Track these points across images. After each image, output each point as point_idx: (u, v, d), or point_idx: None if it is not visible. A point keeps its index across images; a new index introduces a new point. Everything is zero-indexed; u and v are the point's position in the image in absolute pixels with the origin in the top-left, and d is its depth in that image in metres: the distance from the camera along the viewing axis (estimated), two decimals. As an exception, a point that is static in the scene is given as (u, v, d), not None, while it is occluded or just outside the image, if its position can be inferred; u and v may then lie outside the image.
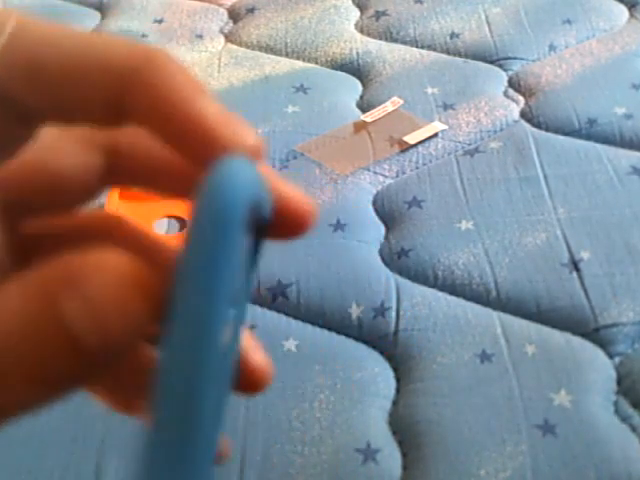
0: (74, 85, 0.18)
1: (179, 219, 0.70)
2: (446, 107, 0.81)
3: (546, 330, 0.59)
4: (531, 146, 0.75)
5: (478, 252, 0.65)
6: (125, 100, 0.18)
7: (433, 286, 0.63)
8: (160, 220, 0.70)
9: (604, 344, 0.58)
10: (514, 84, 0.85)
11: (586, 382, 0.55)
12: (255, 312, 0.61)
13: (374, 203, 0.71)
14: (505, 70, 0.87)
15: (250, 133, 0.18)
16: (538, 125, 0.78)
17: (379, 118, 0.80)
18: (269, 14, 0.99)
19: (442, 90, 0.84)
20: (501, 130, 0.78)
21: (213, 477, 0.17)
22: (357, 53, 0.91)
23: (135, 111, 0.18)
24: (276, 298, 0.62)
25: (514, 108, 0.81)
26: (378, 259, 0.66)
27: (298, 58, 0.92)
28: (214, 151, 0.18)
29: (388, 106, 0.81)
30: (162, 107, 0.18)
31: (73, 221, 0.22)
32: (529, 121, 0.79)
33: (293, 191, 0.20)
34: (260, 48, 0.94)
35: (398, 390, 0.56)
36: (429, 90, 0.84)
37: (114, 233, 0.22)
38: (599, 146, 0.75)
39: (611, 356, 0.57)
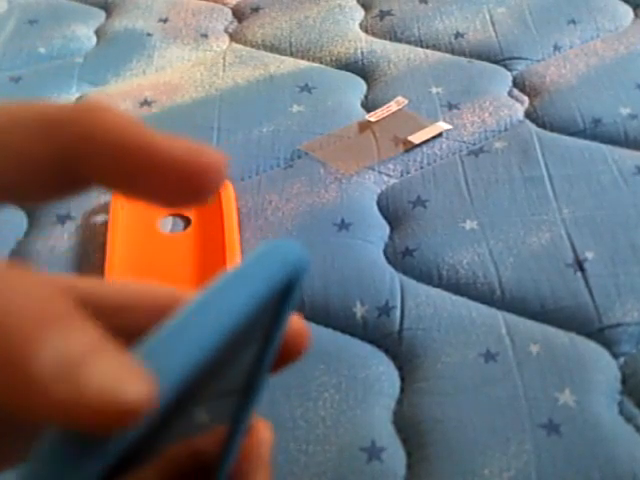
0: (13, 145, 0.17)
1: (184, 217, 0.70)
2: (451, 107, 0.81)
3: (550, 330, 0.59)
4: (536, 146, 0.75)
5: (482, 252, 0.65)
6: (77, 157, 0.17)
7: (437, 285, 0.63)
8: (165, 218, 0.70)
9: (609, 344, 0.58)
10: (519, 84, 0.85)
11: (591, 382, 0.55)
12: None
13: (379, 202, 0.71)
14: (510, 70, 0.87)
15: (210, 151, 0.18)
16: (543, 125, 0.78)
17: (383, 118, 0.80)
18: (274, 13, 0.99)
19: (446, 90, 0.84)
20: (506, 130, 0.78)
21: None
22: (362, 53, 0.91)
23: (92, 166, 0.17)
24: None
25: (519, 108, 0.81)
26: (382, 258, 0.66)
27: (303, 57, 0.92)
28: (191, 178, 0.17)
29: (392, 106, 0.81)
30: (120, 149, 0.17)
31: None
32: (534, 121, 0.79)
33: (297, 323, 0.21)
34: (265, 47, 0.94)
35: (403, 389, 0.56)
36: (433, 90, 0.84)
37: None
38: (604, 146, 0.75)
39: (616, 356, 0.57)
